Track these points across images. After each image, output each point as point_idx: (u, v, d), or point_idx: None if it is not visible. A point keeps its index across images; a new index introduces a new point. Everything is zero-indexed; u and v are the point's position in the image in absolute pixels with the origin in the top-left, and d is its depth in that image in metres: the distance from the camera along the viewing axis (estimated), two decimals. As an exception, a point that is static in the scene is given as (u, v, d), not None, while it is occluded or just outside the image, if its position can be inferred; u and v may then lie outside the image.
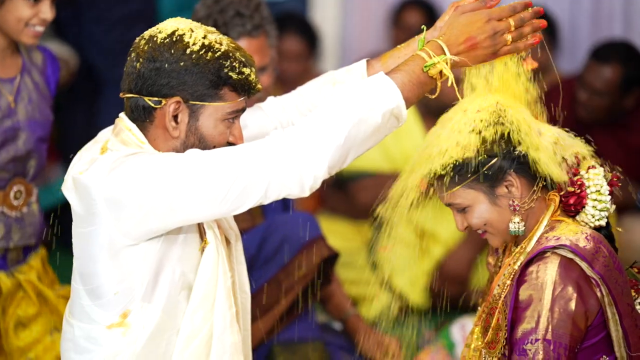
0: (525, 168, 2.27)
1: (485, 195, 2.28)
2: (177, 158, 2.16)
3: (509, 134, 2.26)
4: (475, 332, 2.39)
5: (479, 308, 2.44)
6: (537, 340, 2.22)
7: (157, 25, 2.27)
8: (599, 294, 2.23)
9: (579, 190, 2.29)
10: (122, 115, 2.28)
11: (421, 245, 4.34)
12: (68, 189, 2.23)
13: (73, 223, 2.25)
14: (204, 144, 2.24)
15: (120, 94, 2.27)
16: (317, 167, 2.14)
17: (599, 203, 2.30)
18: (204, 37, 2.22)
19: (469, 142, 2.26)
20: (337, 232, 4.33)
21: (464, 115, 2.29)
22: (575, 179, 2.30)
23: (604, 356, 2.26)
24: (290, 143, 2.13)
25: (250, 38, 3.10)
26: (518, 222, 2.29)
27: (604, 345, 2.26)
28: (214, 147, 2.24)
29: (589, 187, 2.30)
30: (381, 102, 2.17)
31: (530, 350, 2.22)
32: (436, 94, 2.26)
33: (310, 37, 5.32)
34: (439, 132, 2.31)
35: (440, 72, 2.22)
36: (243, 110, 2.27)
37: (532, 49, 2.33)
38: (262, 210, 3.33)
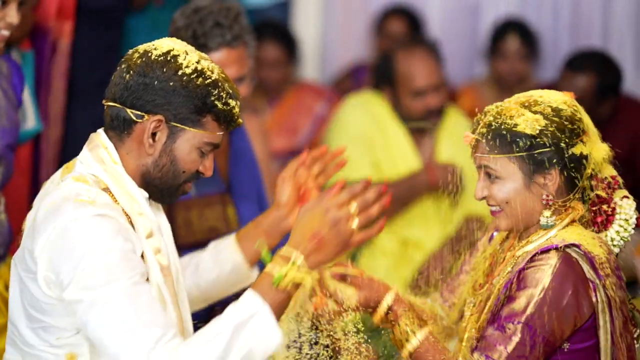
0: (571, 171, 2.29)
1: (523, 175, 2.29)
2: (103, 279, 2.12)
3: (574, 132, 2.29)
4: (469, 321, 2.39)
5: (469, 299, 2.45)
6: (519, 322, 2.23)
7: (153, 42, 2.28)
8: (594, 298, 2.25)
9: (610, 213, 2.33)
10: (100, 131, 2.29)
11: (403, 253, 4.34)
12: (27, 232, 2.22)
13: (18, 266, 2.23)
14: (175, 167, 2.25)
15: (104, 101, 2.27)
16: None
17: (623, 231, 2.34)
18: (198, 62, 2.24)
19: (536, 120, 2.28)
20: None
21: (540, 97, 2.32)
22: (612, 203, 2.34)
23: None
24: None
25: (230, 48, 3.09)
26: (548, 217, 2.31)
27: (592, 351, 2.28)
28: (184, 172, 2.26)
29: (619, 213, 2.33)
30: (261, 349, 2.14)
31: (509, 329, 2.23)
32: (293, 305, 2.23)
33: (289, 44, 5.32)
34: (512, 98, 2.34)
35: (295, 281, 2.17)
36: (218, 146, 2.28)
37: None
38: (237, 216, 3.32)
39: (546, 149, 2.27)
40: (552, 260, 2.25)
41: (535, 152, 2.27)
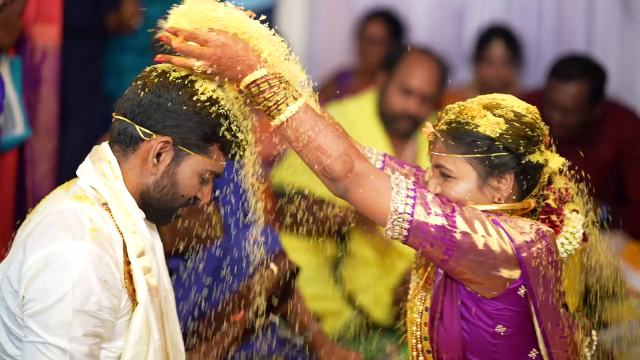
0: (525, 178, 2.30)
1: (477, 176, 2.30)
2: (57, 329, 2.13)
3: (533, 139, 2.29)
4: (413, 289, 2.41)
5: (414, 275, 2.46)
6: (453, 205, 2.23)
7: None
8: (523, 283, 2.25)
9: (557, 224, 2.34)
10: (104, 144, 2.29)
11: (385, 262, 4.33)
12: (18, 246, 2.21)
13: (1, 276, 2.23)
14: (175, 190, 2.27)
15: (114, 114, 2.28)
16: None
17: (568, 244, 2.36)
18: (214, 91, 2.25)
19: (497, 123, 2.27)
20: (300, 247, 4.32)
21: (503, 100, 2.32)
22: (561, 215, 2.35)
23: (533, 349, 2.29)
24: None
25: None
26: None
27: (529, 335, 2.29)
28: (182, 196, 2.28)
29: (567, 225, 2.35)
30: None
31: (445, 204, 2.23)
32: None
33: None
34: (475, 99, 2.35)
35: None
36: (219, 175, 2.31)
37: None
38: (222, 225, 3.32)
39: (504, 152, 2.27)
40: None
41: (493, 155, 2.27)
